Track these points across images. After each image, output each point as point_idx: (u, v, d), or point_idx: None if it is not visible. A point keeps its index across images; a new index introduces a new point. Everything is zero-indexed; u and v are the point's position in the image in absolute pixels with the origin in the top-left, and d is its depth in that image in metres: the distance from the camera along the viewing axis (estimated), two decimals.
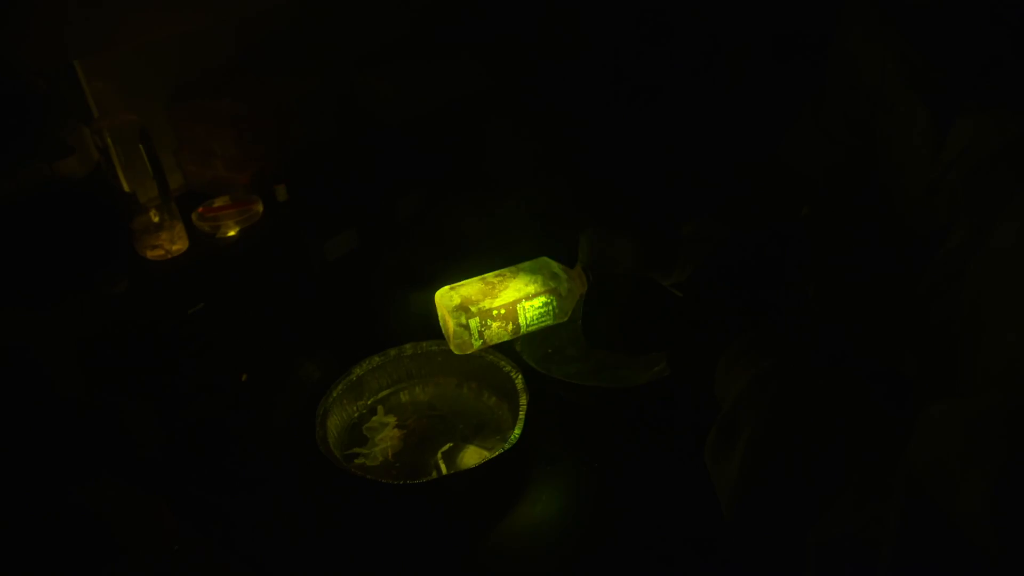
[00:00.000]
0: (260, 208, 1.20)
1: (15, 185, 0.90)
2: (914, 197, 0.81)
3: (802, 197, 1.08)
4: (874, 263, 0.97)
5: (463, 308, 0.91)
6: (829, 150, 1.02)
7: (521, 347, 1.09)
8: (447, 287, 0.95)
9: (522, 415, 0.96)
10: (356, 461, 0.99)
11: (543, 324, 0.97)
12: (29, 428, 0.86)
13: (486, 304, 0.92)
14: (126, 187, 1.07)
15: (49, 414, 0.88)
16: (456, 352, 0.95)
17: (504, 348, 1.06)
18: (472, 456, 0.99)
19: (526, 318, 0.95)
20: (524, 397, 0.99)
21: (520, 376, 1.02)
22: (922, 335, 0.71)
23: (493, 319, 0.93)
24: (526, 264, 0.98)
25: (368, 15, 1.48)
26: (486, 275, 0.97)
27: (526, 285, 0.95)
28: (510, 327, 0.95)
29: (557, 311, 0.97)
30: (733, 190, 1.09)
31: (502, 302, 0.93)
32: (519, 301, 0.94)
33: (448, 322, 0.94)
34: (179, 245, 1.12)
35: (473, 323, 0.92)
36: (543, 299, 0.95)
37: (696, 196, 1.11)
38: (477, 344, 0.94)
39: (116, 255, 0.95)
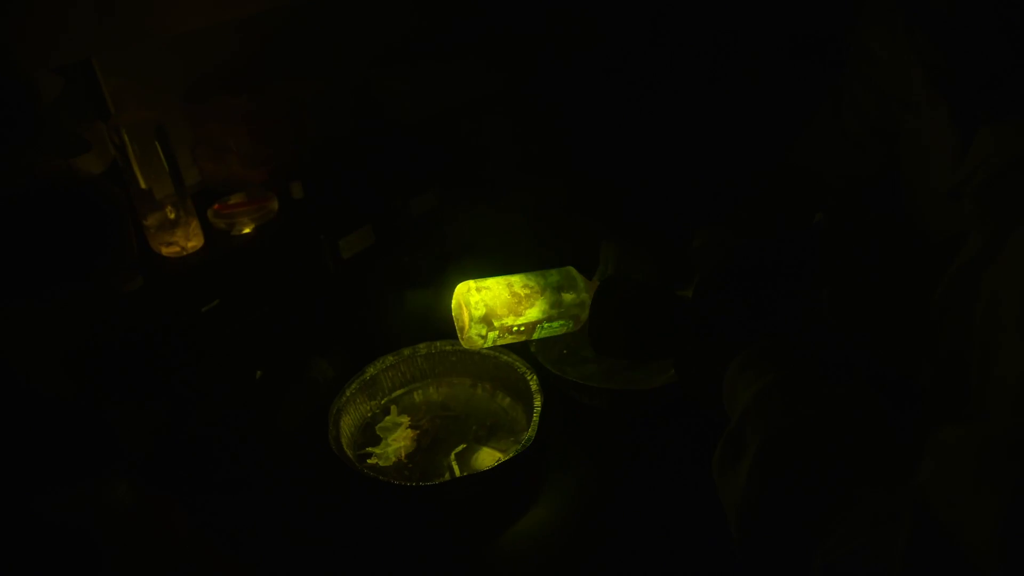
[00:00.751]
0: (275, 205, 1.20)
1: (27, 180, 0.90)
2: (935, 203, 0.79)
3: (817, 201, 1.07)
4: (891, 270, 0.96)
5: (486, 321, 0.91)
6: (851, 155, 1.00)
7: (536, 348, 1.08)
8: (472, 283, 0.94)
9: (536, 417, 0.95)
10: (369, 461, 0.99)
11: (553, 335, 0.97)
12: (28, 429, 0.85)
13: (508, 321, 0.92)
14: (142, 184, 1.07)
15: (48, 414, 0.88)
16: (464, 346, 0.96)
17: (519, 349, 1.05)
18: (486, 458, 0.98)
19: (540, 333, 0.95)
20: (538, 398, 0.98)
21: (535, 377, 1.02)
22: (937, 346, 0.70)
23: (511, 333, 0.94)
24: (553, 276, 0.97)
25: (382, 13, 1.48)
26: (513, 280, 0.95)
27: (551, 307, 0.94)
28: (523, 338, 0.95)
29: (571, 327, 0.96)
30: (746, 195, 1.07)
31: (525, 320, 0.93)
32: (540, 321, 0.94)
33: (465, 323, 0.93)
34: (194, 242, 1.12)
35: (492, 335, 0.92)
36: (562, 321, 0.95)
37: (709, 201, 1.09)
38: (486, 346, 0.94)
39: (114, 252, 0.94)
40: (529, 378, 1.02)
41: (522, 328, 0.92)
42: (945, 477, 0.48)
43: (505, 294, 0.93)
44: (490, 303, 0.92)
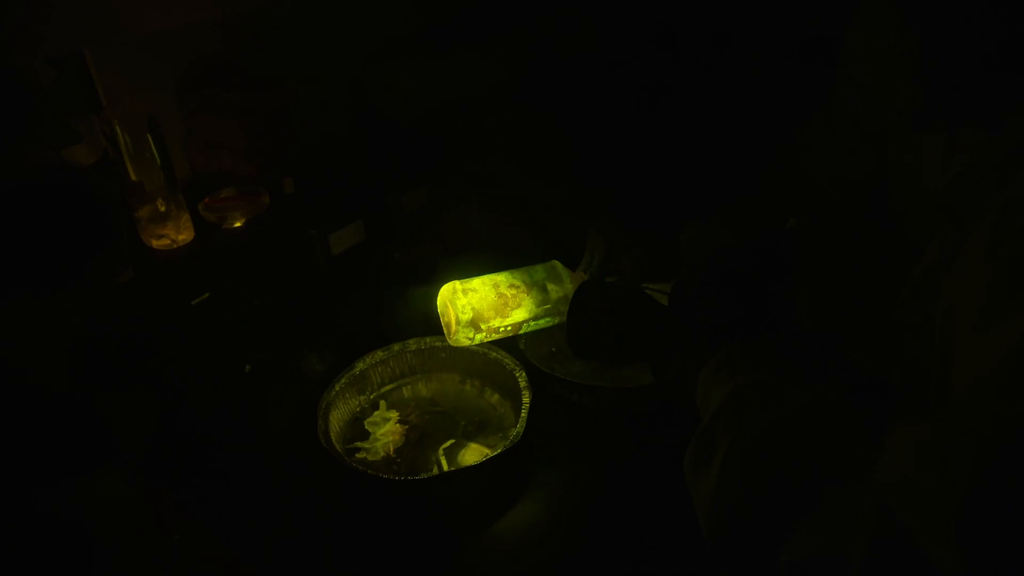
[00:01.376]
0: (266, 200, 1.20)
1: (18, 171, 0.90)
2: (923, 208, 0.80)
3: (806, 203, 1.08)
4: (873, 272, 0.97)
5: (473, 325, 0.92)
6: (840, 158, 1.01)
7: (525, 345, 1.09)
8: (458, 283, 0.95)
9: (524, 413, 0.96)
10: (357, 455, 0.99)
11: (540, 328, 0.98)
12: (22, 422, 0.85)
13: (495, 323, 0.93)
14: (133, 176, 1.07)
15: (42, 408, 0.88)
16: (450, 343, 0.96)
17: (508, 346, 1.06)
18: (473, 453, 0.99)
19: (527, 329, 0.96)
20: (527, 395, 0.99)
21: (523, 374, 1.02)
22: (903, 348, 0.71)
23: (498, 333, 0.94)
24: (539, 272, 0.98)
25: (378, 7, 1.48)
26: (499, 281, 0.96)
27: (538, 306, 0.95)
28: (510, 334, 0.96)
29: (557, 320, 0.97)
30: (737, 192, 1.08)
31: (511, 321, 0.93)
32: (527, 321, 0.94)
33: (452, 324, 0.94)
34: (185, 235, 1.12)
35: (479, 337, 0.93)
36: (548, 318, 0.95)
37: (698, 196, 1.10)
38: (473, 344, 0.95)
39: (105, 244, 0.94)
40: (518, 375, 1.02)
41: (509, 328, 0.93)
42: (901, 475, 0.49)
43: (491, 296, 0.94)
44: (477, 306, 0.92)
